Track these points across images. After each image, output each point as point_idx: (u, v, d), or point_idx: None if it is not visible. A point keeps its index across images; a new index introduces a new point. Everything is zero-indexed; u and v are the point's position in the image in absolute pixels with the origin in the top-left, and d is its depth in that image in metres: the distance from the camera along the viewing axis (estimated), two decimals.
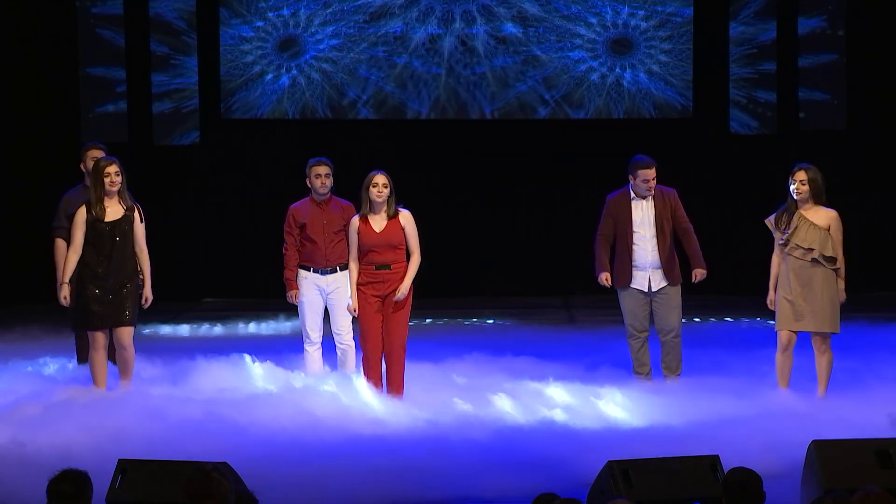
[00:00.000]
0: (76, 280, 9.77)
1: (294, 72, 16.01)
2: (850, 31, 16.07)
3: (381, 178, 9.67)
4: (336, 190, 10.62)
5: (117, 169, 9.82)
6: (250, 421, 8.86)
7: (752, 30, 16.13)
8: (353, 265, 9.72)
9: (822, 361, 9.61)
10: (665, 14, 16.07)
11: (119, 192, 9.84)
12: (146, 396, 9.50)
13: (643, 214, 10.33)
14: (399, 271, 9.74)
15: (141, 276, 9.86)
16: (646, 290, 10.31)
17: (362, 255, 9.69)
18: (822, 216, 9.55)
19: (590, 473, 7.09)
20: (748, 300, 14.83)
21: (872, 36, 16.04)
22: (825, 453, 6.96)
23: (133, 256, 9.85)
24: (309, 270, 10.33)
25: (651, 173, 10.29)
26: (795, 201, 9.62)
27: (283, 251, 10.40)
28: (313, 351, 10.40)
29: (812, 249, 9.48)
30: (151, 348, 11.25)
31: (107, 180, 9.76)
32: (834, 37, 16.10)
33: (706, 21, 16.09)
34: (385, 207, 9.68)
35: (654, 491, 6.77)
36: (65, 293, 9.76)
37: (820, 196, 9.60)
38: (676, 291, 10.34)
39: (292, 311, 14.05)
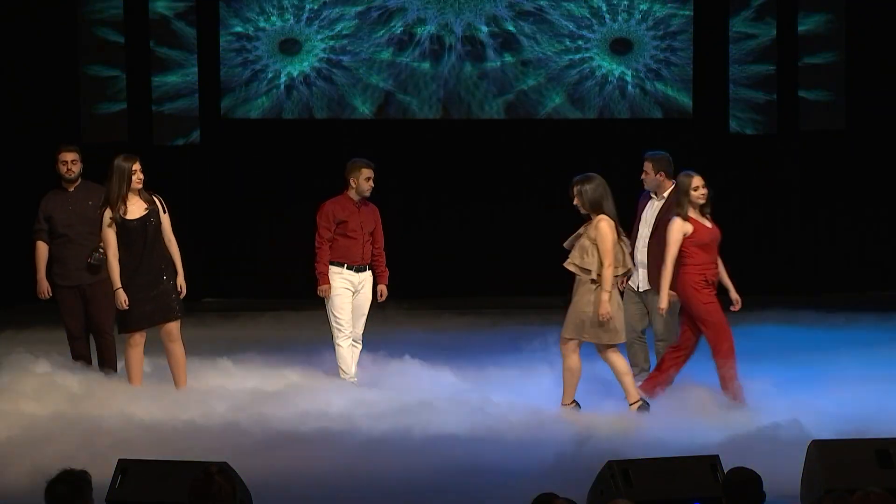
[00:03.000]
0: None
1: (294, 72, 16.00)
2: (850, 31, 16.07)
3: (701, 180, 9.72)
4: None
5: (140, 166, 9.86)
6: (251, 420, 8.87)
7: (752, 30, 16.13)
8: (671, 266, 9.59)
9: (563, 366, 9.53)
10: (665, 14, 16.07)
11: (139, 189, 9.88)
12: (149, 395, 9.51)
13: (650, 213, 10.26)
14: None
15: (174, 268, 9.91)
16: (636, 288, 10.27)
17: (704, 252, 9.65)
18: (591, 226, 9.49)
19: (590, 473, 7.09)
20: (746, 299, 14.83)
21: (873, 36, 16.04)
22: (825, 453, 6.96)
23: (166, 249, 9.86)
24: (343, 266, 10.42)
25: (644, 166, 10.26)
26: None
27: (318, 246, 10.47)
28: (348, 346, 10.46)
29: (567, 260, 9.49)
30: (153, 348, 11.24)
31: (134, 178, 9.76)
32: (834, 37, 16.10)
33: (706, 21, 16.09)
34: (706, 206, 9.73)
35: (654, 491, 6.77)
36: (122, 297, 9.70)
37: (595, 207, 9.45)
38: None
39: (293, 310, 14.09)
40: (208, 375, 10.49)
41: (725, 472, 6.08)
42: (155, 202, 9.85)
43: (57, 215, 10.44)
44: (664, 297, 9.60)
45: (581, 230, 9.51)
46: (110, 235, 9.70)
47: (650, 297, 10.10)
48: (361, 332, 10.56)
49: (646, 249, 10.18)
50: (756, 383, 9.81)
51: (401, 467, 7.86)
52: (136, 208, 9.78)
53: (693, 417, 8.94)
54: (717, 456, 6.93)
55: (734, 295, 9.86)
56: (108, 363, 10.27)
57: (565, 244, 9.62)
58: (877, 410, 8.96)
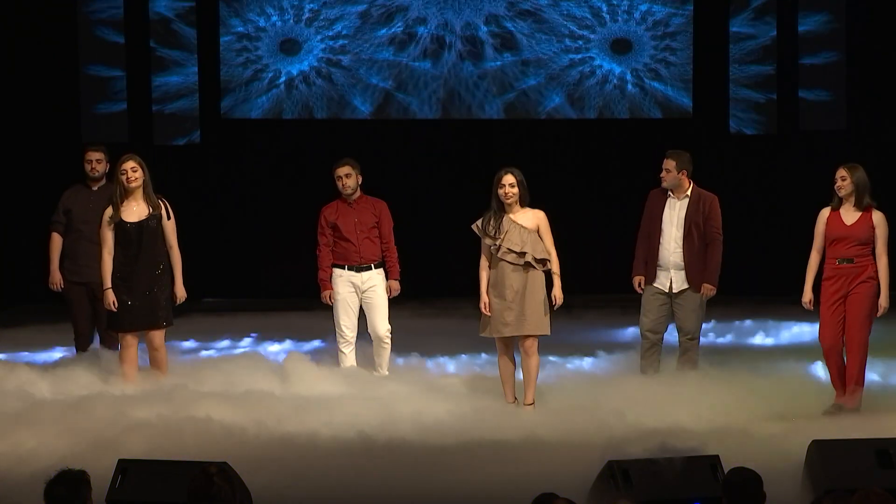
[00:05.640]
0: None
1: (294, 72, 16.00)
2: (851, 30, 16.07)
3: (841, 171, 9.72)
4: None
5: (133, 164, 9.72)
6: (252, 421, 8.86)
7: (752, 30, 16.13)
8: (816, 255, 9.68)
9: (531, 364, 9.56)
10: (665, 14, 16.06)
11: (144, 190, 9.76)
12: (150, 395, 9.50)
13: (673, 213, 10.17)
14: (863, 267, 9.59)
15: (173, 276, 9.82)
16: (666, 290, 10.15)
17: (831, 246, 9.65)
18: (530, 218, 9.59)
19: (590, 473, 7.09)
20: (748, 300, 14.85)
21: (873, 35, 16.03)
22: (825, 453, 6.97)
23: (164, 256, 9.78)
24: (344, 269, 10.39)
25: (664, 163, 10.22)
26: (503, 205, 9.58)
27: (317, 252, 10.44)
28: (349, 352, 10.42)
29: (525, 253, 9.49)
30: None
31: (122, 177, 9.68)
32: (834, 36, 16.09)
33: (706, 21, 16.09)
34: (853, 200, 9.67)
35: (654, 491, 6.76)
36: (111, 298, 9.68)
37: (525, 198, 9.61)
38: (698, 296, 10.13)
39: (294, 310, 14.08)
40: (208, 376, 10.48)
41: (725, 472, 6.08)
42: (160, 206, 9.76)
43: (77, 210, 10.50)
44: (808, 291, 9.66)
45: (505, 225, 9.56)
46: (107, 234, 9.68)
47: (684, 297, 10.05)
48: (383, 330, 10.43)
49: (679, 251, 10.08)
50: (755, 383, 9.81)
51: (400, 470, 7.85)
52: (136, 211, 9.72)
53: (694, 418, 8.94)
54: (717, 456, 6.93)
55: (882, 300, 9.60)
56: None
57: (476, 228, 9.74)
58: (876, 410, 8.96)
